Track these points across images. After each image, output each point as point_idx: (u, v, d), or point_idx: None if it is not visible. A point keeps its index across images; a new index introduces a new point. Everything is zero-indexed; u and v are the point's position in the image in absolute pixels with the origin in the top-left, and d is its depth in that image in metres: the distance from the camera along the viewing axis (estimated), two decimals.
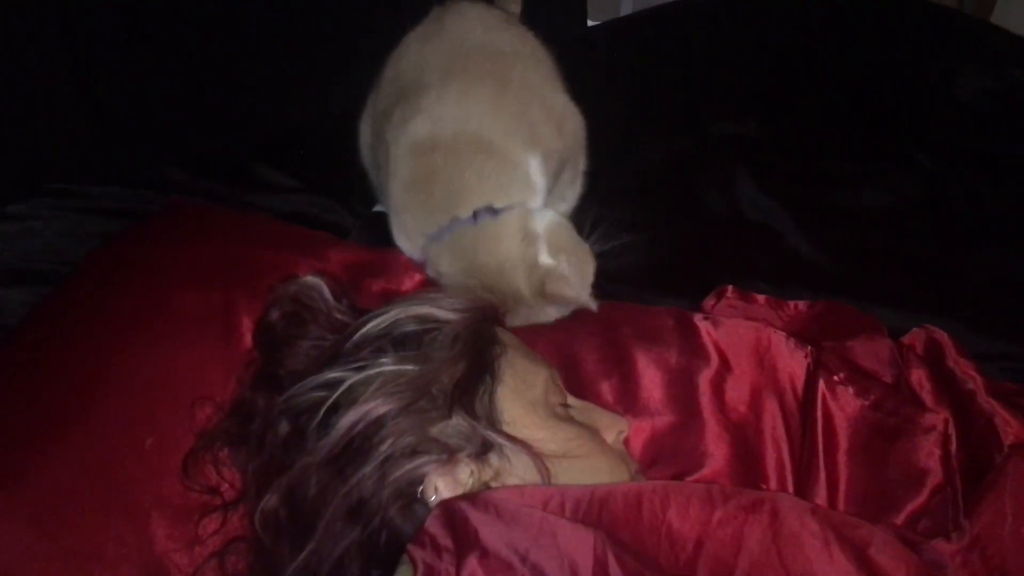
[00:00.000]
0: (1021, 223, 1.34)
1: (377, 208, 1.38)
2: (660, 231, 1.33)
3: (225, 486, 0.85)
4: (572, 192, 1.23)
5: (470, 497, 0.70)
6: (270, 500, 0.76)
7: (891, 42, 1.70)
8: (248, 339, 0.95)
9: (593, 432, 0.83)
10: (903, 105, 1.57)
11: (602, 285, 1.19)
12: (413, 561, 0.67)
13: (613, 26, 1.98)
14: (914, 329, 1.03)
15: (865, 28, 1.74)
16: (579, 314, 1.04)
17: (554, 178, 1.11)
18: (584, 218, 1.30)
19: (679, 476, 0.92)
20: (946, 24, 1.76)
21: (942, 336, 1.00)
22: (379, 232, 1.28)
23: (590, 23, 2.08)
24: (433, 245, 1.03)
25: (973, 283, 1.24)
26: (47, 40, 1.35)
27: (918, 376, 0.96)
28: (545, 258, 1.00)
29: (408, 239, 1.09)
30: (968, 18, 1.92)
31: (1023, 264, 1.27)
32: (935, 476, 0.87)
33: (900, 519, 0.85)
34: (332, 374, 0.79)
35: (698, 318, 1.00)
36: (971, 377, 0.95)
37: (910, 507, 0.86)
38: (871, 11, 1.78)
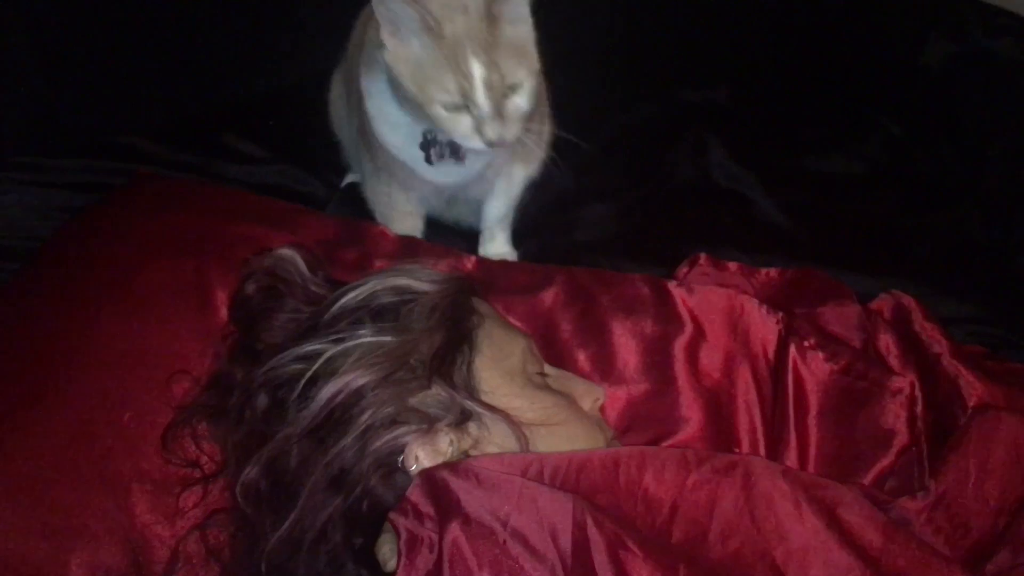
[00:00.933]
0: (987, 188, 1.37)
1: (349, 179, 1.37)
2: (632, 199, 1.35)
3: (204, 459, 0.85)
4: (536, 155, 1.23)
5: (451, 465, 0.71)
6: (251, 472, 0.77)
7: (859, 9, 1.70)
8: (223, 312, 0.94)
9: (570, 400, 0.84)
10: (871, 72, 1.59)
11: (577, 254, 1.21)
12: (396, 528, 0.68)
13: None
14: (882, 295, 1.05)
15: None
16: (556, 282, 1.04)
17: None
18: (555, 186, 1.32)
19: (654, 441, 0.94)
20: None
21: (909, 301, 1.02)
22: (354, 205, 1.28)
23: None
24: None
25: (940, 248, 1.27)
26: (5, 10, 1.32)
27: (886, 341, 0.98)
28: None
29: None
30: None
31: (989, 229, 1.30)
32: (902, 437, 0.89)
33: (868, 479, 0.88)
34: (310, 346, 0.79)
35: (672, 285, 1.01)
36: (937, 341, 0.97)
37: (878, 467, 0.88)
38: None
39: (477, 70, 0.91)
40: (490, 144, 0.95)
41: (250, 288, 0.91)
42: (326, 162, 1.38)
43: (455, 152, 1.04)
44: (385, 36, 0.92)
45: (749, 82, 1.56)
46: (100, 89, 1.42)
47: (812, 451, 0.91)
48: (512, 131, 0.96)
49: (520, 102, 0.96)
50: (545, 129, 1.24)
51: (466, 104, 0.92)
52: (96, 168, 1.32)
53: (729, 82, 1.56)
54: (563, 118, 1.25)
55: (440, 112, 0.94)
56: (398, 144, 1.06)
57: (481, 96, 0.92)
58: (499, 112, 0.93)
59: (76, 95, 1.41)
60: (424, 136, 1.03)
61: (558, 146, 1.26)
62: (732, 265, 1.08)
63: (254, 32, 1.50)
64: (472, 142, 0.96)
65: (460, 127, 0.95)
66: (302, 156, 1.39)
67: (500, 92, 0.92)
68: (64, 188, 1.28)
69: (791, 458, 0.90)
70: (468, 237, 1.29)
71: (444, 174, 1.08)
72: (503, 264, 1.13)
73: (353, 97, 1.18)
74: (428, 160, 1.05)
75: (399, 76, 0.94)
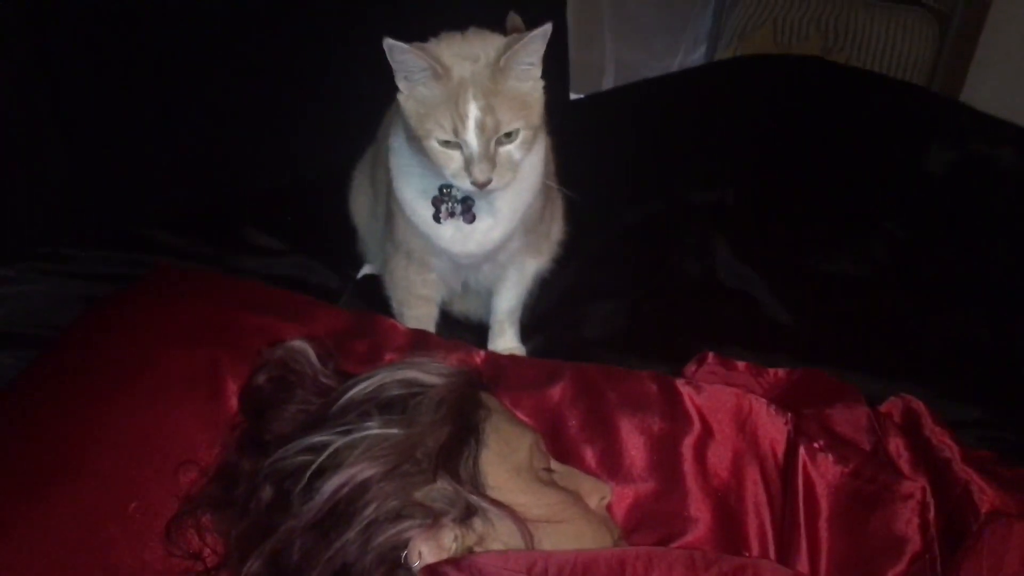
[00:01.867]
0: (989, 290, 1.38)
1: (365, 271, 1.40)
2: (638, 296, 1.36)
3: (207, 551, 0.84)
4: (547, 247, 1.27)
5: (454, 562, 0.70)
6: (253, 565, 0.76)
7: (864, 117, 1.76)
8: (233, 402, 0.95)
9: (576, 497, 0.83)
10: (874, 176, 1.63)
11: (584, 350, 1.22)
12: None
13: (595, 99, 2.04)
14: (891, 398, 1.05)
15: (838, 102, 1.80)
16: (564, 377, 1.05)
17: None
18: (563, 283, 1.34)
19: (662, 542, 0.92)
20: (915, 100, 1.83)
21: (919, 405, 1.02)
22: (368, 298, 1.31)
23: (572, 96, 2.14)
24: None
25: (946, 350, 1.27)
26: (34, 104, 1.37)
27: (896, 444, 0.98)
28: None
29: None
30: (936, 95, 2.00)
31: (993, 330, 1.30)
32: (914, 544, 0.88)
33: None
34: (318, 438, 0.80)
35: (680, 383, 1.01)
36: (947, 445, 0.97)
37: (890, 575, 0.87)
38: (844, 86, 1.85)
39: (472, 111, 0.95)
40: (476, 184, 0.98)
41: (261, 379, 0.93)
42: (342, 254, 1.41)
43: (465, 211, 1.08)
44: (399, 81, 0.98)
45: (755, 184, 1.60)
46: (123, 181, 1.46)
47: (824, 556, 0.89)
48: (500, 177, 0.99)
49: (512, 150, 0.99)
50: (555, 227, 1.28)
51: (458, 142, 0.97)
52: (116, 259, 1.35)
53: (736, 183, 1.59)
54: (574, 217, 1.29)
55: (435, 146, 0.98)
56: (411, 199, 1.10)
57: (472, 136, 0.96)
58: (488, 155, 0.97)
59: (100, 187, 1.45)
60: (439, 190, 1.07)
61: (567, 243, 1.29)
62: (740, 364, 1.08)
63: (274, 128, 1.55)
64: (461, 180, 0.99)
65: (451, 164, 0.98)
66: (318, 248, 1.42)
67: (491, 135, 0.96)
68: (84, 278, 1.31)
69: (802, 562, 0.88)
70: (477, 332, 1.30)
71: (457, 242, 1.11)
72: (512, 358, 1.14)
73: (379, 178, 1.22)
74: (437, 218, 1.08)
75: (407, 116, 0.99)
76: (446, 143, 0.97)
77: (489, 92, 0.96)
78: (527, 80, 0.99)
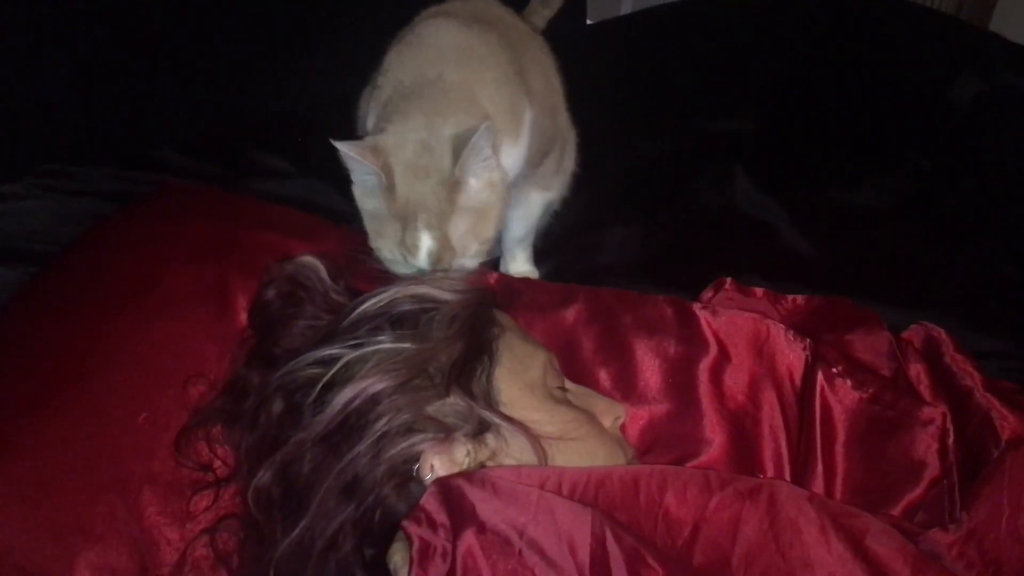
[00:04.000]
0: (1014, 223, 1.35)
1: None
2: (655, 224, 1.33)
3: (218, 463, 0.84)
4: (556, 182, 1.23)
5: (467, 474, 0.69)
6: (263, 477, 0.75)
7: (889, 45, 1.71)
8: (242, 317, 0.94)
9: (590, 416, 0.82)
10: (899, 107, 1.58)
11: (599, 276, 1.19)
12: (408, 537, 0.66)
13: (612, 25, 1.98)
14: (913, 326, 1.03)
15: (864, 31, 1.75)
16: (579, 300, 1.03)
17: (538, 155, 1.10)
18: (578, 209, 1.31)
19: (676, 463, 0.92)
20: (943, 29, 1.77)
21: (940, 333, 1.00)
22: None
23: (589, 22, 2.08)
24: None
25: (968, 282, 1.25)
26: (42, 21, 1.34)
27: (916, 371, 0.96)
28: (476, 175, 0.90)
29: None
30: (965, 24, 1.94)
31: (1017, 263, 1.27)
32: (933, 469, 0.87)
33: (897, 511, 0.85)
34: (328, 351, 0.78)
35: (697, 307, 1.00)
36: (969, 373, 0.95)
37: (907, 499, 0.86)
38: (870, 14, 1.79)
39: (424, 242, 0.89)
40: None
41: (270, 294, 0.91)
42: (351, 179, 1.38)
43: None
44: (353, 176, 0.92)
45: (777, 114, 1.56)
46: (131, 101, 1.44)
47: (839, 480, 0.88)
48: (460, 261, 0.93)
49: (467, 263, 0.93)
50: (567, 160, 1.24)
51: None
52: (123, 178, 1.33)
53: (757, 113, 1.55)
54: (591, 145, 1.25)
55: (385, 256, 0.93)
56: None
57: (423, 263, 0.90)
58: (442, 271, 0.91)
59: (107, 106, 1.42)
60: None
61: (581, 173, 1.26)
62: (758, 291, 1.06)
63: (284, 49, 1.52)
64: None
65: (401, 271, 0.93)
66: (329, 172, 1.39)
67: (447, 263, 0.90)
68: (90, 196, 1.29)
69: (818, 486, 0.88)
70: (489, 260, 1.28)
71: None
72: (525, 281, 1.12)
73: None
74: None
75: (362, 211, 0.94)
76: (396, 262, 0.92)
77: (444, 216, 0.88)
78: (484, 176, 0.90)
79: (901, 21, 1.78)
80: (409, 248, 0.89)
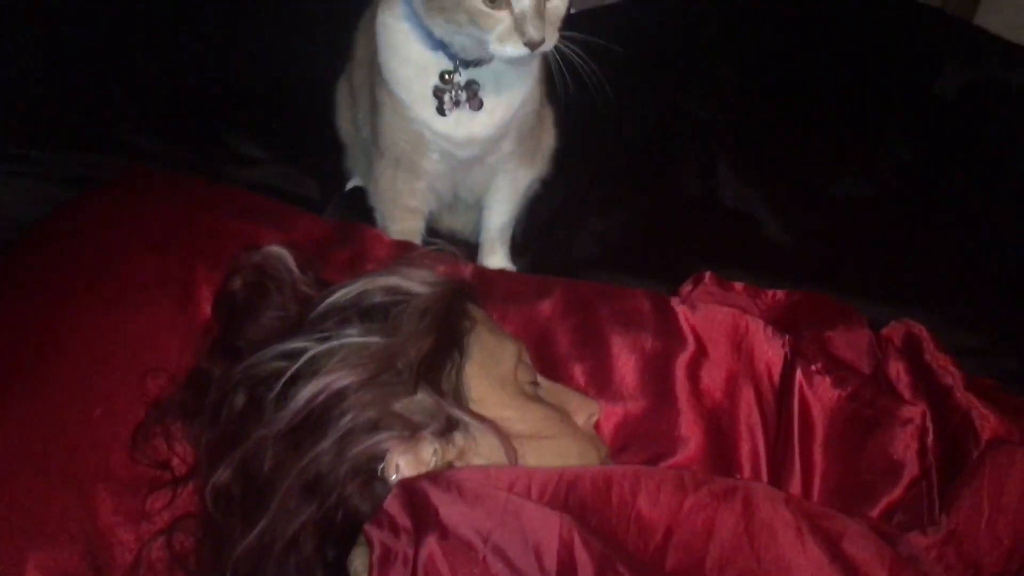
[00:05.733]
0: (997, 216, 1.34)
1: (352, 184, 1.34)
2: (634, 213, 1.32)
3: (176, 460, 0.81)
4: (539, 158, 1.21)
5: (432, 475, 0.67)
6: (223, 474, 0.73)
7: (874, 36, 1.69)
8: (206, 308, 0.91)
9: (563, 414, 0.80)
10: (883, 97, 1.57)
11: (576, 269, 1.17)
12: (369, 541, 0.64)
13: (595, 12, 1.95)
14: (893, 322, 1.01)
15: (849, 22, 1.73)
16: (555, 292, 1.00)
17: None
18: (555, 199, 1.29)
19: (651, 461, 0.90)
20: (928, 21, 1.75)
21: (921, 330, 0.98)
22: (354, 210, 1.25)
23: (573, 11, 2.05)
24: None
25: (951, 276, 1.24)
26: (8, 2, 1.30)
27: (896, 368, 0.95)
28: None
29: None
30: (949, 17, 1.92)
31: (999, 257, 1.26)
32: (911, 469, 0.86)
33: (875, 512, 0.84)
34: (294, 344, 0.76)
35: (675, 302, 0.98)
36: (949, 372, 0.94)
37: (886, 500, 0.85)
38: (856, 5, 1.78)
39: None
40: (530, 43, 0.90)
41: (236, 284, 0.88)
42: (326, 166, 1.35)
43: (471, 96, 1.01)
44: None
45: (760, 102, 1.54)
46: (100, 84, 1.40)
47: (817, 480, 0.87)
48: (551, 35, 0.92)
49: (559, 4, 0.93)
50: (546, 137, 1.22)
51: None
52: (92, 163, 1.28)
53: (740, 100, 1.53)
54: (572, 128, 1.23)
55: (479, 7, 0.89)
56: (411, 86, 1.02)
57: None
58: (540, 10, 0.90)
59: (75, 89, 1.38)
60: (441, 77, 1.00)
61: (560, 158, 1.24)
62: (737, 285, 1.04)
63: (257, 30, 1.48)
64: (509, 45, 0.91)
65: (498, 26, 0.90)
66: (302, 159, 1.36)
67: None
68: (59, 182, 1.24)
69: (795, 486, 0.86)
70: (464, 250, 1.24)
71: (462, 125, 1.04)
72: (501, 273, 1.10)
73: (359, 83, 1.16)
74: (441, 110, 1.02)
75: None
76: (493, 1, 0.89)
77: None
78: None
79: (886, 12, 1.76)
80: None
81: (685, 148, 1.43)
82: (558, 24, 0.93)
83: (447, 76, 1.00)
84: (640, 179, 1.38)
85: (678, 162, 1.40)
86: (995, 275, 1.25)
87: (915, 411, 0.88)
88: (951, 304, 1.16)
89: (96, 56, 1.38)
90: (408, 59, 1.02)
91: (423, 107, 1.03)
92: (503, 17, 0.90)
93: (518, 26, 0.90)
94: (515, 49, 0.91)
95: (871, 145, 1.46)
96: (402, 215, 1.17)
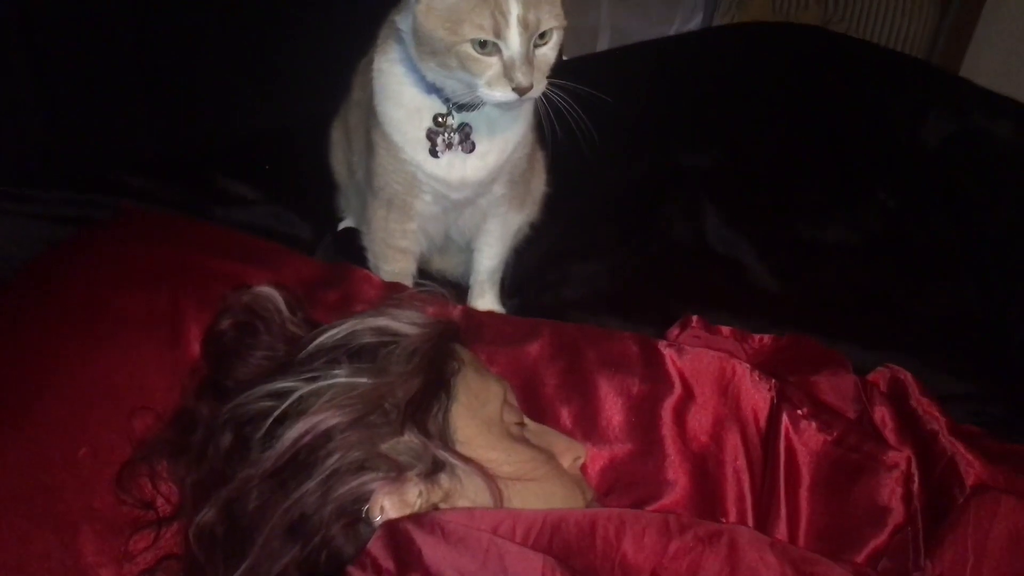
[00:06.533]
0: (982, 264, 1.35)
1: (344, 225, 1.35)
2: (622, 258, 1.33)
3: (160, 500, 0.80)
4: (529, 202, 1.23)
5: (416, 517, 0.66)
6: (207, 514, 0.72)
7: (860, 86, 1.72)
8: (195, 348, 0.91)
9: (549, 456, 0.80)
10: (869, 145, 1.59)
11: (565, 312, 1.18)
12: None
13: (586, 60, 1.98)
14: (878, 368, 1.02)
15: (835, 71, 1.76)
16: (543, 335, 1.01)
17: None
18: (545, 243, 1.30)
19: (637, 505, 0.90)
20: (913, 72, 1.79)
21: (906, 376, 0.99)
22: (345, 250, 1.26)
23: (565, 58, 2.08)
24: None
25: (936, 323, 1.25)
26: (3, 40, 1.31)
27: (881, 414, 0.95)
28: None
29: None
30: (935, 68, 1.96)
31: (983, 304, 1.27)
32: (897, 515, 0.85)
33: (861, 557, 0.83)
34: (282, 384, 0.76)
35: (662, 345, 0.98)
36: (934, 417, 0.94)
37: (871, 545, 0.84)
38: (842, 55, 1.81)
39: (514, 7, 0.89)
40: (518, 89, 0.92)
41: (225, 323, 0.88)
42: (318, 208, 1.36)
43: (463, 139, 1.03)
44: None
45: (748, 150, 1.56)
46: (94, 123, 1.41)
47: (803, 525, 0.87)
48: (539, 82, 0.94)
49: (548, 52, 0.95)
50: (536, 181, 1.23)
51: (497, 45, 0.91)
52: (83, 202, 1.29)
53: (728, 148, 1.55)
54: (561, 174, 1.24)
55: (469, 52, 0.92)
56: (404, 128, 1.04)
57: (514, 34, 0.90)
58: (529, 57, 0.92)
59: (69, 128, 1.39)
60: (434, 120, 1.02)
61: (550, 203, 1.25)
62: (724, 329, 1.05)
63: (251, 73, 1.50)
64: (497, 90, 0.93)
65: (487, 71, 0.92)
66: (294, 199, 1.37)
67: (532, 33, 0.91)
68: (50, 220, 1.24)
69: (781, 531, 0.86)
70: (455, 292, 1.25)
71: (455, 168, 1.06)
72: (489, 315, 1.11)
73: (354, 126, 1.18)
74: (434, 152, 1.03)
75: (429, 29, 0.93)
76: (483, 46, 0.91)
77: None
78: None
79: (872, 62, 1.80)
80: (503, 13, 0.89)
81: (673, 194, 1.44)
82: (547, 71, 0.95)
83: (440, 119, 1.02)
84: (628, 224, 1.39)
85: (666, 208, 1.42)
86: (979, 321, 1.26)
87: (900, 456, 0.89)
88: (936, 350, 1.17)
89: (90, 96, 1.39)
90: (402, 102, 1.03)
91: (416, 149, 1.04)
92: (493, 63, 0.92)
93: (507, 72, 0.92)
94: (503, 94, 0.93)
95: (857, 193, 1.48)
96: (394, 255, 1.18)
